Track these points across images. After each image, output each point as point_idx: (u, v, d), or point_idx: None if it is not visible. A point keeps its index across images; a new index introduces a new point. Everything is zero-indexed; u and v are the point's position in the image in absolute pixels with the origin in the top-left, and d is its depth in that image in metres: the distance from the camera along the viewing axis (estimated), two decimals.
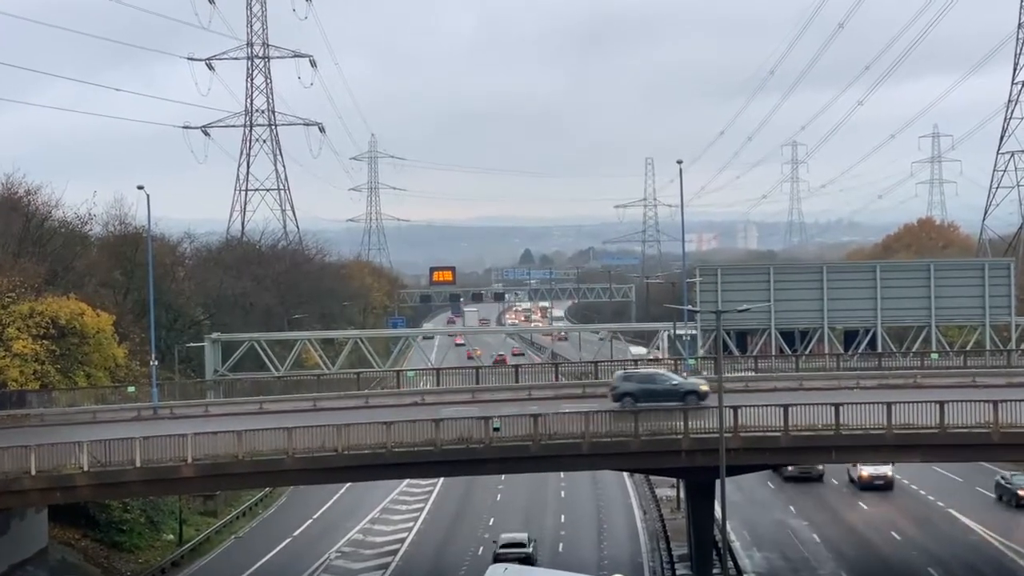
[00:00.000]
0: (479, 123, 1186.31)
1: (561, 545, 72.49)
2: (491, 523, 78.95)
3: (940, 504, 79.80)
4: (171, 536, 74.70)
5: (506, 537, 68.57)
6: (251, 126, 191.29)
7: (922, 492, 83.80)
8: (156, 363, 78.78)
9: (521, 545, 66.84)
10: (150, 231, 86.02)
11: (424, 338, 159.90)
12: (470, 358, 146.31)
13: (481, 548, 72.12)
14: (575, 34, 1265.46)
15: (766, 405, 59.42)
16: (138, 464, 56.57)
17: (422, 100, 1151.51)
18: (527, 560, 63.59)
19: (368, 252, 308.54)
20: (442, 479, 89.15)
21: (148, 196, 78.63)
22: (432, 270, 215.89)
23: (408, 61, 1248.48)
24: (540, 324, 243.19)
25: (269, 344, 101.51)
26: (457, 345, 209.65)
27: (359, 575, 67.96)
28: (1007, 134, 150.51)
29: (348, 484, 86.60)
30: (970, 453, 61.62)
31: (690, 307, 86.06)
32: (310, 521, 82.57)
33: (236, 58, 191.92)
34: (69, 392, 73.93)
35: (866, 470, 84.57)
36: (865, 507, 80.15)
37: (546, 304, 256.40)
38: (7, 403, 70.95)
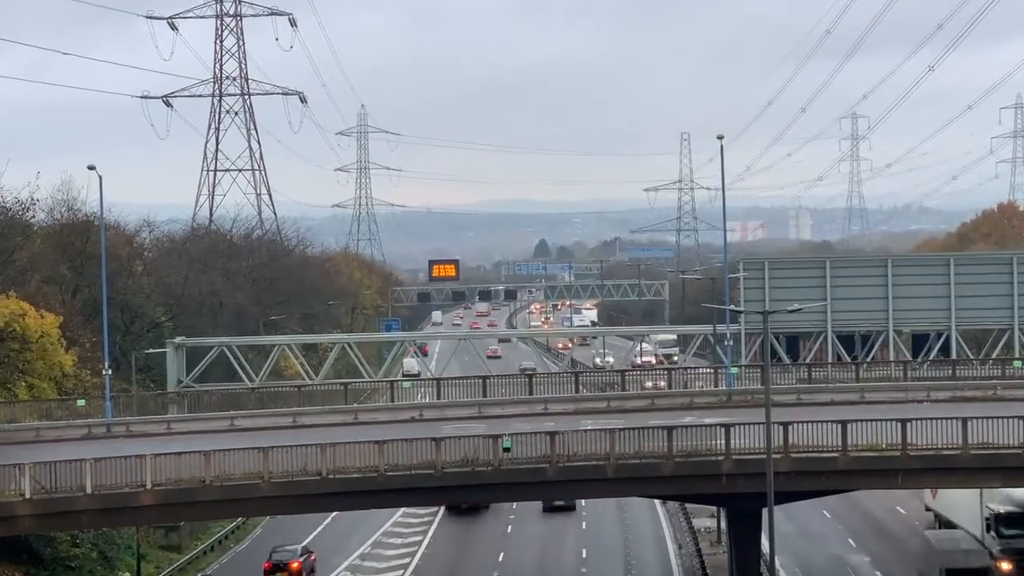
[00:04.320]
0: (503, 96, 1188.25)
1: None
2: (500, 559, 78.93)
3: None
4: (127, 574, 74.75)
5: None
6: (220, 96, 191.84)
7: None
8: (110, 372, 78.86)
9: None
10: (103, 218, 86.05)
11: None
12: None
13: None
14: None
15: (821, 421, 59.37)
16: (89, 490, 56.64)
17: (440, 68, 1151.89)
18: None
19: (357, 243, 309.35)
20: (444, 507, 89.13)
21: (100, 178, 78.89)
22: (432, 264, 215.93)
23: (429, 22, 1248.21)
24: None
25: (242, 350, 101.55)
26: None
27: None
28: None
29: (334, 513, 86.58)
30: None
31: (733, 307, 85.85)
32: None
33: (203, 16, 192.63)
34: (8, 406, 74.06)
35: None
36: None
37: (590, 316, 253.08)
38: None
